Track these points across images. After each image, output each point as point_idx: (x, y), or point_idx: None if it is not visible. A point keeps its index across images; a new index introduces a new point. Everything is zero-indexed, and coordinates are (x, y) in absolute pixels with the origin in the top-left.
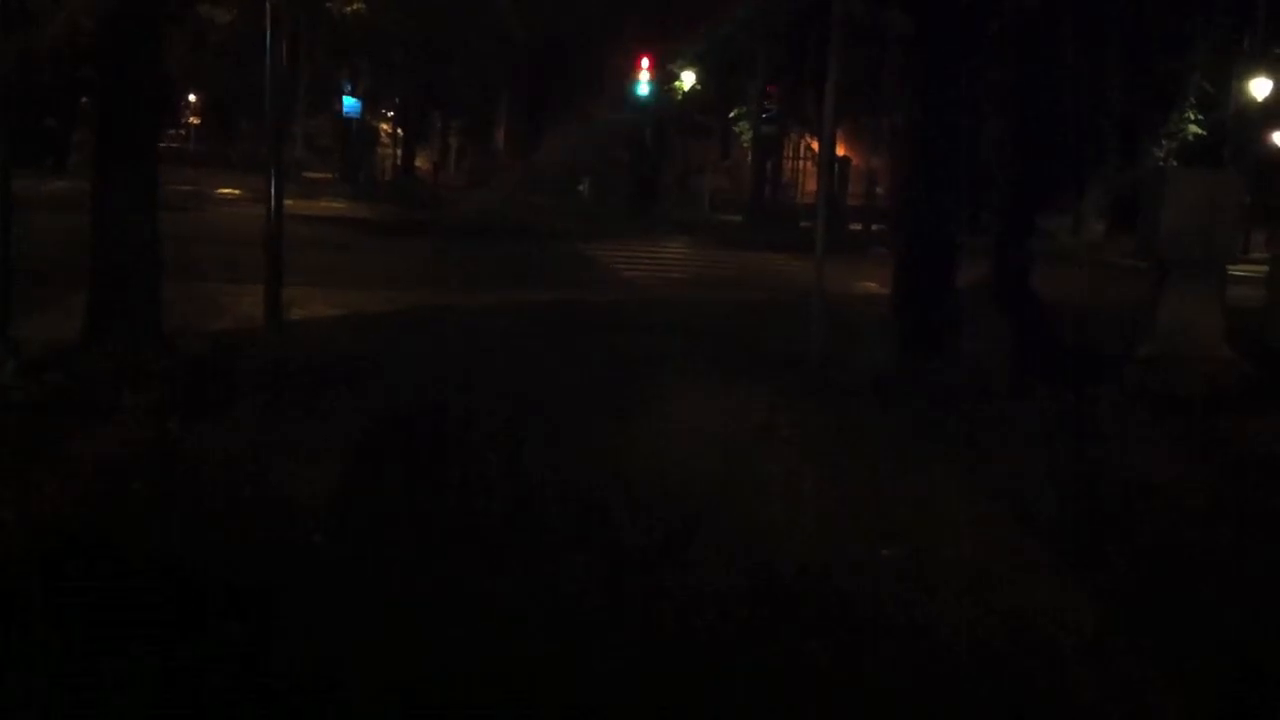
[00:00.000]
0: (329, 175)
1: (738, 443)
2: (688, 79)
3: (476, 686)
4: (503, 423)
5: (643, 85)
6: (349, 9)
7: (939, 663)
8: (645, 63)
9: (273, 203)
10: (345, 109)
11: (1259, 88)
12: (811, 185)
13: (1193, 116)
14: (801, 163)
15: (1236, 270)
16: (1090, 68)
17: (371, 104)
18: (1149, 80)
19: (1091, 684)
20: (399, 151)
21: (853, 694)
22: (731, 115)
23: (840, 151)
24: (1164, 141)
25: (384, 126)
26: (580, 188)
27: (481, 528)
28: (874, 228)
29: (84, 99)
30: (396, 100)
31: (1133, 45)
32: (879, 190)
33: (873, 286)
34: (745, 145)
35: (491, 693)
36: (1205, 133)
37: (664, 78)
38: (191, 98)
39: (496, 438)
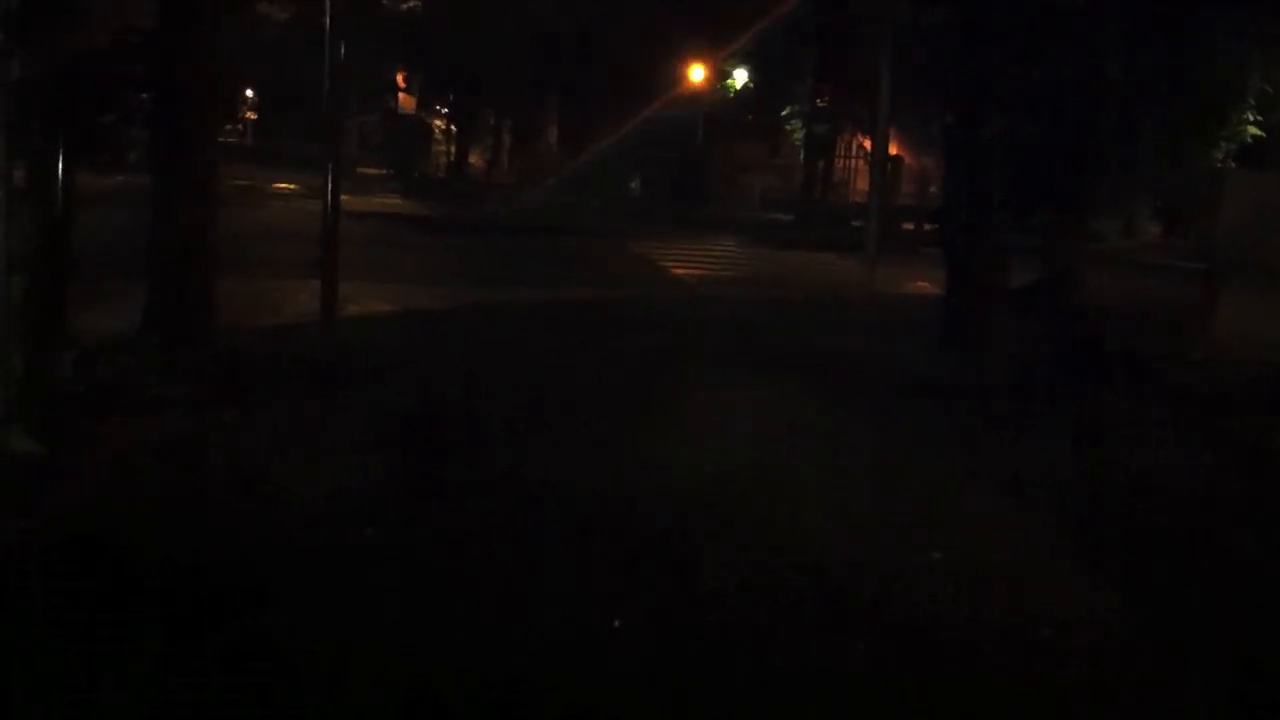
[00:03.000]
0: (383, 171)
1: (775, 439)
2: (739, 77)
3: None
4: (549, 422)
5: (695, 84)
6: (404, 6)
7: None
8: (698, 62)
9: (329, 199)
10: (399, 106)
11: None
12: (863, 184)
13: (1251, 118)
14: (853, 161)
15: None
16: (1140, 67)
17: (425, 101)
18: (1203, 80)
19: (1121, 686)
20: (452, 148)
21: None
22: (784, 114)
23: (893, 150)
24: (1222, 144)
25: (438, 123)
26: (631, 185)
27: (523, 525)
28: (926, 227)
29: (141, 95)
30: (450, 97)
31: (1186, 45)
32: (932, 189)
33: (925, 286)
34: (797, 144)
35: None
36: (1264, 134)
37: (715, 76)
38: (249, 93)
39: (541, 436)
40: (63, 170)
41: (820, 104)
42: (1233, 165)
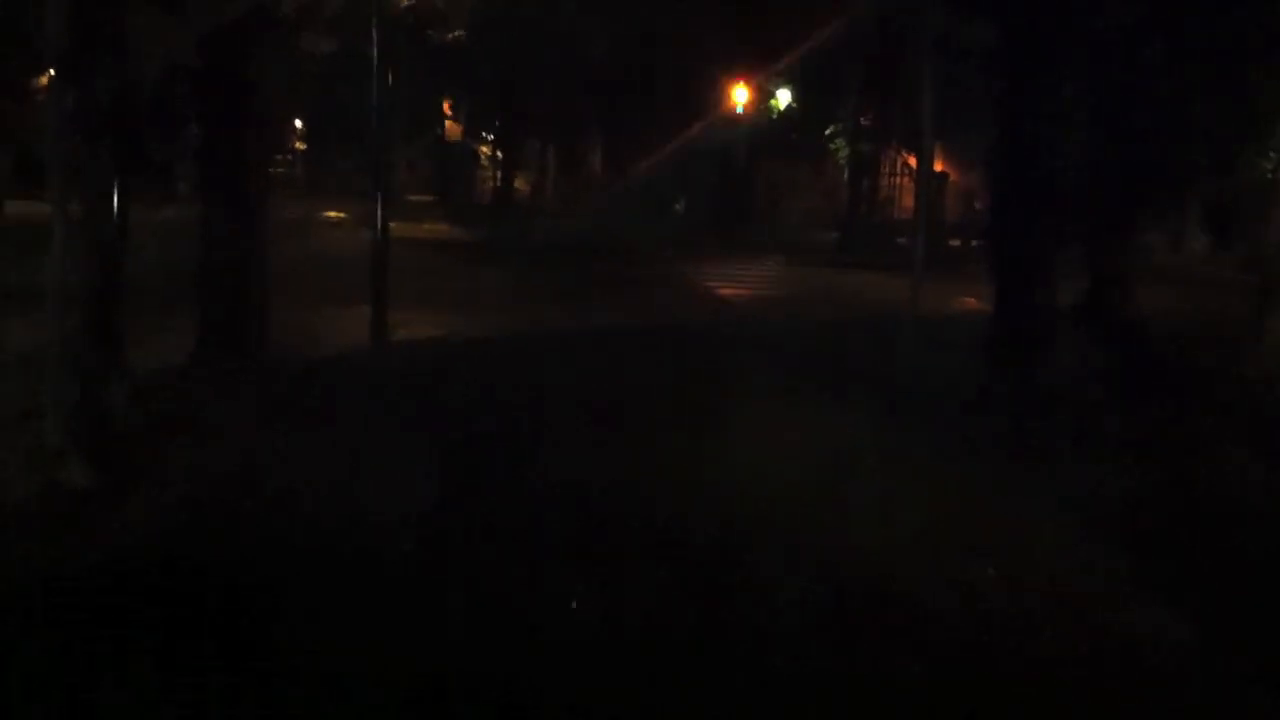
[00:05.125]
0: (430, 198)
1: (826, 457)
2: (783, 97)
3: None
4: (602, 449)
5: (738, 105)
6: (450, 36)
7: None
8: (741, 84)
9: (378, 227)
10: (446, 134)
11: None
12: (908, 202)
13: None
14: (898, 179)
15: None
16: (1185, 80)
17: (471, 127)
18: (1250, 92)
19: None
20: (498, 174)
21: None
22: (827, 133)
23: (938, 167)
24: (1272, 154)
25: (484, 150)
26: (676, 208)
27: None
28: (973, 243)
29: (191, 125)
30: (495, 124)
31: (1230, 55)
32: (977, 206)
33: (972, 303)
34: (841, 163)
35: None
36: None
37: (759, 97)
38: (298, 124)
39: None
40: (117, 201)
41: (864, 122)
42: None
